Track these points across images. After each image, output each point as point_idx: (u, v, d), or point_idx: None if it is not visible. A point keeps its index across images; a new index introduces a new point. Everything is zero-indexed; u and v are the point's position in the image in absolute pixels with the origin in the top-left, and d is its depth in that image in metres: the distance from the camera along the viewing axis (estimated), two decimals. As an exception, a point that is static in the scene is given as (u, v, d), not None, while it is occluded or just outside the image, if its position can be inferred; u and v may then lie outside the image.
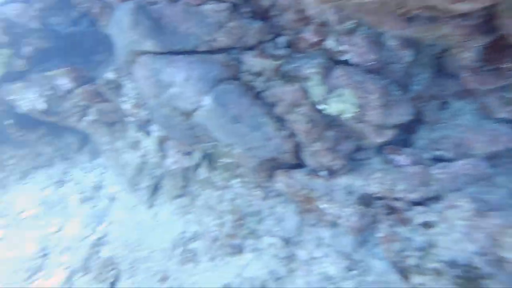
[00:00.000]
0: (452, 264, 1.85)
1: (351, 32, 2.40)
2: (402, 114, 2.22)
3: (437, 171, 2.24)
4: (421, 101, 2.59)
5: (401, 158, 2.42)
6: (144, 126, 3.02)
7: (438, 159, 2.47)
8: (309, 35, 2.53)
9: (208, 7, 2.39)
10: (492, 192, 2.13)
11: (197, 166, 2.84)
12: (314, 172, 2.38)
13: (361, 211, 2.22)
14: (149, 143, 2.93)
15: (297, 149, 2.44)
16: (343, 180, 2.30)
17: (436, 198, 2.19)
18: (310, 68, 2.39)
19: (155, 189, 3.01)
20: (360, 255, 2.26)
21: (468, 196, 2.02)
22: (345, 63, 2.47)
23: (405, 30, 2.02)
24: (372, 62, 2.39)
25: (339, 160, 2.37)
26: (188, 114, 2.48)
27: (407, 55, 2.42)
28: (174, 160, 2.90)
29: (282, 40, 2.63)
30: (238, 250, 2.47)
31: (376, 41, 2.41)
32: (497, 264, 1.73)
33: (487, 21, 1.81)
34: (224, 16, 2.40)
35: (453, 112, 2.51)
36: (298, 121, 2.33)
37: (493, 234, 1.75)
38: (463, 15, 1.76)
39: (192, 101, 2.35)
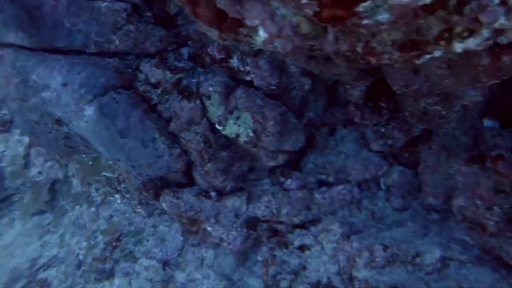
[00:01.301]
0: (317, 285, 2.07)
1: (256, 54, 2.43)
2: (295, 142, 2.37)
3: (319, 195, 2.41)
4: (313, 128, 2.77)
5: (289, 182, 2.54)
6: (4, 129, 2.54)
7: (322, 183, 2.67)
8: (214, 51, 2.47)
9: (103, 4, 2.12)
10: (357, 215, 2.40)
11: (70, 178, 2.51)
12: (204, 193, 2.33)
13: (245, 234, 2.27)
14: (7, 149, 2.47)
15: (189, 168, 2.36)
16: (231, 202, 2.33)
17: (315, 222, 2.37)
18: (211, 86, 2.38)
19: (9, 203, 2.56)
20: (239, 275, 2.32)
21: (338, 220, 2.23)
22: (249, 84, 2.48)
23: (306, 65, 2.11)
24: (273, 87, 2.44)
25: (230, 182, 2.40)
26: (63, 123, 2.16)
27: (306, 83, 2.55)
28: (39, 171, 2.50)
29: (185, 51, 2.51)
30: (107, 275, 2.28)
31: (280, 66, 2.49)
32: (349, 282, 1.96)
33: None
34: (122, 17, 2.19)
35: (339, 139, 2.77)
36: (193, 140, 2.28)
37: (352, 256, 1.96)
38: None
39: (71, 109, 2.07)
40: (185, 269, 2.33)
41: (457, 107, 1.91)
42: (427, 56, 1.07)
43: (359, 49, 1.14)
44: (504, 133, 2.04)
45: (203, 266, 2.37)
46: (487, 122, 2.36)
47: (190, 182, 2.52)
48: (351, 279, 2.12)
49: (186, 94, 2.34)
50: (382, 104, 2.44)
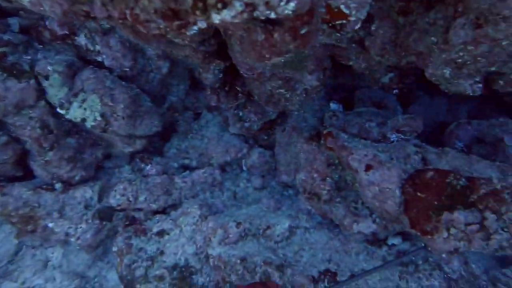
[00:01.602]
0: (174, 267, 2.04)
1: (107, 32, 2.23)
2: (149, 126, 2.24)
3: (179, 180, 2.37)
4: (175, 112, 2.71)
5: (150, 168, 2.44)
6: None
7: (185, 168, 2.64)
8: (54, 25, 2.18)
9: None
10: (219, 197, 2.45)
11: None
12: (45, 185, 2.06)
13: (98, 226, 2.09)
14: None
15: (23, 158, 2.04)
16: (81, 193, 2.12)
17: (175, 206, 2.33)
18: (50, 65, 2.10)
19: None
20: (94, 272, 2.14)
21: (198, 202, 2.24)
22: (99, 65, 2.25)
23: (156, 46, 2.00)
24: (127, 69, 2.28)
25: (80, 171, 2.17)
26: None
27: (164, 66, 2.45)
28: None
29: (14, 22, 2.14)
30: None
31: (134, 47, 2.32)
32: (205, 260, 2.00)
33: (221, 49, 2.04)
34: None
35: (204, 123, 2.76)
36: (27, 126, 1.97)
37: (208, 235, 1.99)
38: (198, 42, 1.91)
39: None
40: (18, 277, 2.02)
41: (299, 90, 2.09)
42: (195, 28, 1.08)
43: (128, 17, 1.11)
44: (339, 114, 2.32)
45: (47, 268, 2.11)
46: (332, 106, 2.67)
47: (27, 174, 2.19)
48: (207, 257, 2.16)
49: (14, 72, 2.01)
50: (238, 88, 2.53)
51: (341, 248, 2.13)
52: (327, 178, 2.05)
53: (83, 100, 2.16)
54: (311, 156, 2.15)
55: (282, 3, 1.01)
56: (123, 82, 2.28)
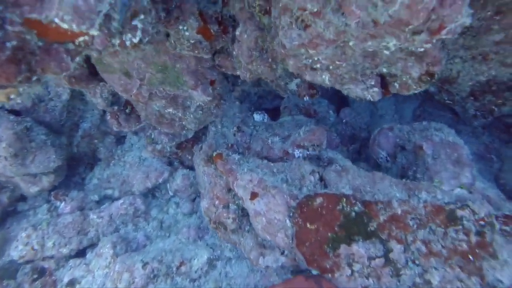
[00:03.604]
0: None
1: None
2: (46, 161, 1.98)
3: (95, 215, 2.09)
4: (92, 139, 2.43)
5: (64, 205, 2.17)
6: None
7: (108, 199, 2.37)
8: None
9: None
10: (144, 228, 2.17)
11: None
12: None
13: (-6, 286, 1.85)
14: None
15: None
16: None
17: (91, 247, 2.04)
18: None
19: None
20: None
21: (112, 240, 1.95)
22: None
23: None
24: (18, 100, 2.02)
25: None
26: None
27: (65, 92, 2.18)
28: None
29: None
30: None
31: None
32: None
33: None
34: None
35: (128, 147, 2.48)
36: None
37: (114, 280, 1.71)
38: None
39: None
40: None
41: (193, 108, 1.80)
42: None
43: None
44: (246, 129, 2.00)
45: None
46: (256, 117, 2.36)
47: None
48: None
49: None
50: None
51: (261, 282, 1.84)
52: (230, 205, 1.74)
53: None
54: (212, 180, 1.83)
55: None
56: (11, 116, 2.02)
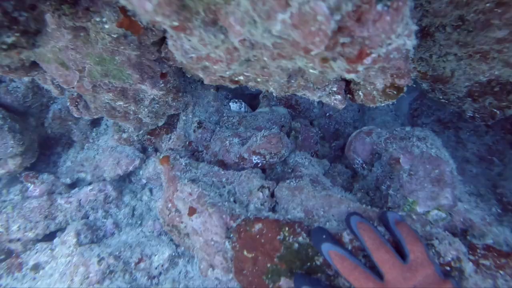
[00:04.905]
0: None
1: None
2: (3, 147, 1.82)
3: (63, 200, 1.99)
4: (65, 121, 2.28)
5: (33, 188, 2.06)
6: None
7: (82, 182, 2.26)
8: None
9: None
10: (115, 215, 2.08)
11: None
12: None
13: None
14: None
15: None
16: None
17: (58, 232, 1.96)
18: None
19: None
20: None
21: (77, 227, 1.85)
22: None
23: None
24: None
25: None
26: None
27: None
28: None
29: None
30: None
31: None
32: None
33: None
34: None
35: (102, 130, 2.32)
36: None
37: (71, 273, 1.62)
38: None
39: None
40: None
41: (147, 101, 1.58)
42: None
43: None
44: (210, 126, 1.79)
45: None
46: (232, 106, 2.12)
47: None
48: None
49: None
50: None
51: (220, 286, 1.70)
52: (185, 210, 1.58)
53: None
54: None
55: None
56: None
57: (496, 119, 1.62)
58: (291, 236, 1.06)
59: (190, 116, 2.00)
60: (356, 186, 1.61)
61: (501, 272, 1.07)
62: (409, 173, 1.32)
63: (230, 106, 2.07)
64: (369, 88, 0.99)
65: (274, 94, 1.01)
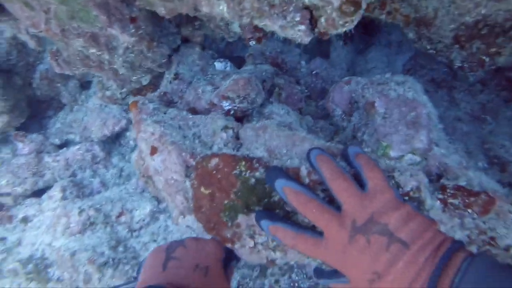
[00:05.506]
0: (28, 260, 1.69)
1: None
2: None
3: (50, 159, 2.00)
4: (53, 82, 2.27)
5: (22, 146, 2.08)
6: None
7: (71, 143, 2.27)
8: None
9: None
10: (103, 175, 2.08)
11: None
12: None
13: None
14: None
15: None
16: None
17: (46, 189, 1.98)
18: None
19: None
20: None
21: (64, 184, 1.86)
22: None
23: None
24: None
25: None
26: None
27: (6, 29, 1.99)
28: None
29: None
30: None
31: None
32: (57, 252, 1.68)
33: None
34: None
35: (92, 93, 2.31)
36: None
37: (54, 223, 1.65)
38: None
39: None
40: None
41: (121, 50, 1.53)
42: None
43: None
44: (184, 78, 1.74)
45: None
46: (217, 65, 2.06)
47: None
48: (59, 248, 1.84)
49: None
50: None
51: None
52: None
53: None
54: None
55: None
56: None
57: (486, 68, 1.51)
58: (248, 171, 1.01)
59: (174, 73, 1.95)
60: (336, 139, 1.54)
61: (469, 210, 1.01)
62: (384, 116, 1.25)
63: (215, 65, 2.01)
64: (328, 11, 0.92)
65: (229, 19, 0.94)
